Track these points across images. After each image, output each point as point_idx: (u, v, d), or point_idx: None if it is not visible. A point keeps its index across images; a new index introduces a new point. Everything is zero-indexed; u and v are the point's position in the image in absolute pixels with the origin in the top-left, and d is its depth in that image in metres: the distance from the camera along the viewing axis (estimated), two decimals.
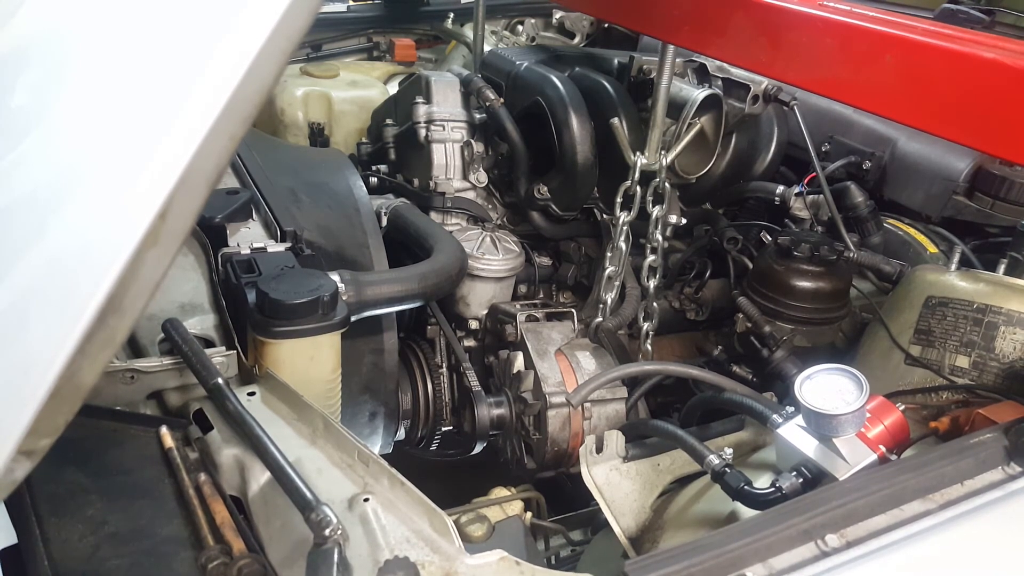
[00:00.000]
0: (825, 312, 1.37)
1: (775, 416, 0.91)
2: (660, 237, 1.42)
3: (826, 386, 0.84)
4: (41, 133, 0.50)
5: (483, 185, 1.65)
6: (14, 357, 0.43)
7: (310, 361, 1.01)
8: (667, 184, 1.39)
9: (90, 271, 0.39)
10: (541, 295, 1.66)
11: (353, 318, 1.06)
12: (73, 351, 0.38)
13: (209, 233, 1.15)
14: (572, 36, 2.40)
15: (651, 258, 1.42)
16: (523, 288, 1.63)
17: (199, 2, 0.44)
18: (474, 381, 1.38)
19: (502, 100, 1.55)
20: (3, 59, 0.60)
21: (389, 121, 1.78)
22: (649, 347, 1.44)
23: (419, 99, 1.64)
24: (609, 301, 1.42)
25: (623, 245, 1.40)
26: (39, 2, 0.62)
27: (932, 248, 1.53)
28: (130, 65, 0.47)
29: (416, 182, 1.67)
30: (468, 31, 2.30)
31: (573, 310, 1.47)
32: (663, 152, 1.37)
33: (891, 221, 1.60)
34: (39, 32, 0.59)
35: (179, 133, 0.38)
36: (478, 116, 1.63)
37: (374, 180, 1.70)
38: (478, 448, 1.42)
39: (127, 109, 0.45)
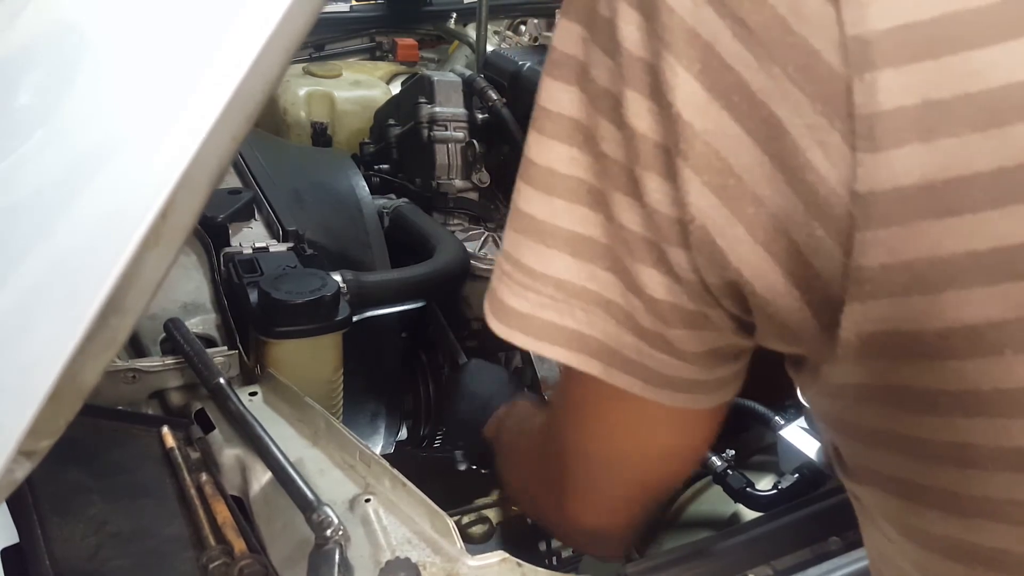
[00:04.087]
0: None
1: (777, 418, 0.91)
2: None
3: None
4: (42, 133, 0.50)
5: (486, 185, 1.65)
6: (15, 357, 0.42)
7: (312, 361, 1.01)
8: None
9: (91, 271, 0.39)
10: None
11: (355, 318, 1.06)
12: (74, 351, 0.38)
13: (211, 232, 1.15)
14: None
15: None
16: None
17: (201, 2, 0.44)
18: None
19: (505, 100, 1.55)
20: (7, 60, 0.60)
21: (392, 121, 1.78)
22: None
23: (422, 99, 1.64)
24: None
25: None
26: (42, 3, 0.63)
27: None
28: (131, 64, 0.47)
29: (418, 182, 1.67)
30: (471, 31, 2.30)
31: None
32: None
33: None
34: (41, 32, 0.60)
35: (181, 132, 0.38)
36: (481, 116, 1.63)
37: (376, 180, 1.70)
38: None
39: (128, 108, 0.45)
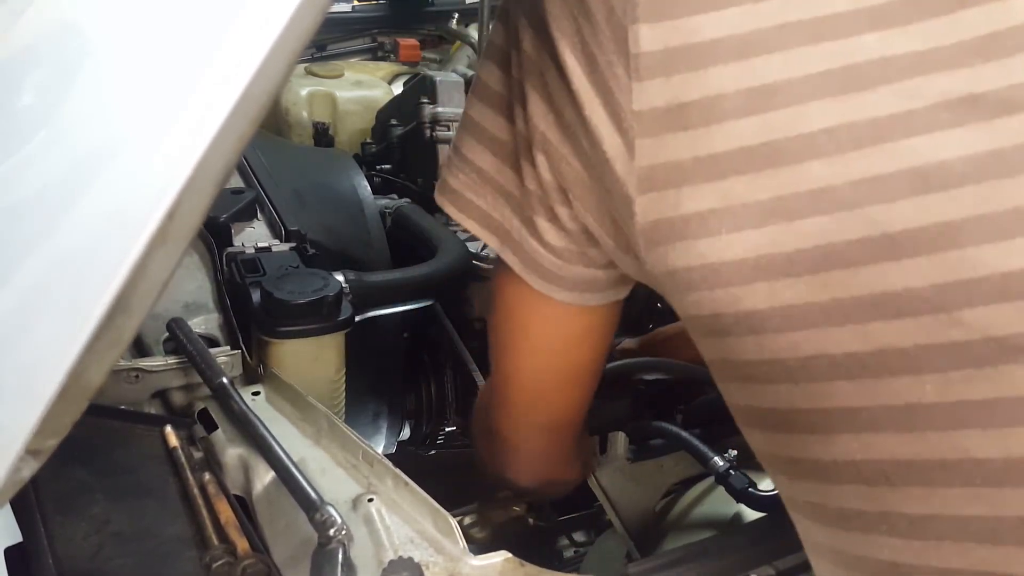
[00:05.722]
0: None
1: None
2: None
3: None
4: (49, 132, 0.50)
5: None
6: (22, 356, 0.43)
7: (314, 361, 1.01)
8: None
9: (99, 270, 0.39)
10: None
11: (357, 318, 1.06)
12: (81, 351, 0.38)
13: (214, 232, 1.15)
14: None
15: None
16: None
17: (209, 1, 0.44)
18: (480, 381, 1.38)
19: None
20: (10, 60, 0.61)
21: (394, 121, 1.77)
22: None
23: (424, 99, 1.64)
24: None
25: None
26: (43, 3, 0.63)
27: None
28: (139, 64, 0.47)
29: (421, 182, 1.67)
30: (473, 31, 2.30)
31: None
32: None
33: None
34: (42, 33, 0.60)
35: (188, 132, 0.38)
36: None
37: (378, 180, 1.70)
38: None
39: (135, 109, 0.45)
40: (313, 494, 0.69)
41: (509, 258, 0.62)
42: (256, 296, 1.00)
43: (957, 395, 0.46)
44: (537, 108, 0.55)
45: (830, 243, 0.46)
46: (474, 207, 0.63)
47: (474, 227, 0.63)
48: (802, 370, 0.50)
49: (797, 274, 0.48)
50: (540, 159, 0.56)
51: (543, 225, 0.59)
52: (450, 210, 0.65)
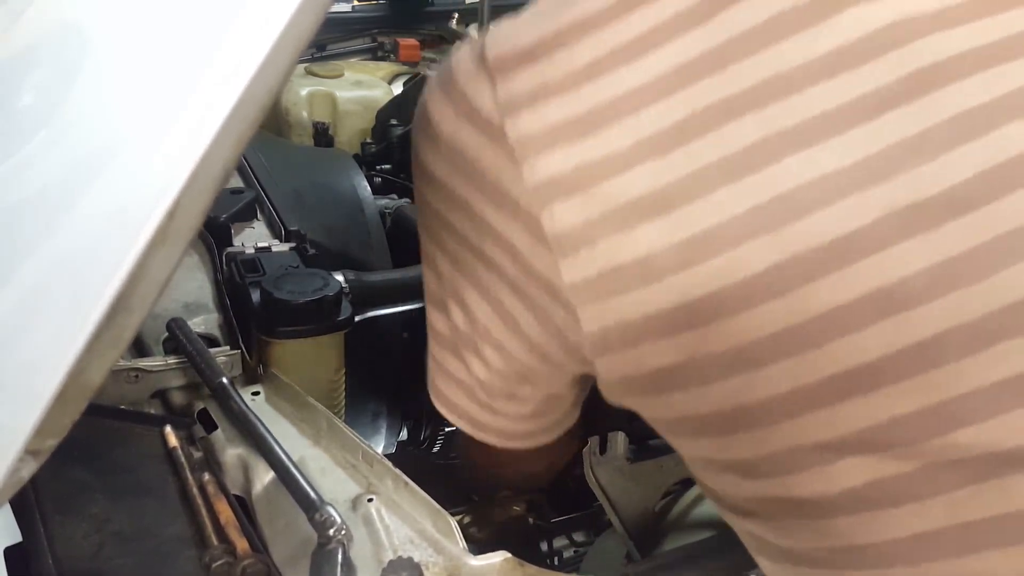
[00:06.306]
0: None
1: None
2: None
3: None
4: (49, 132, 0.51)
5: None
6: (22, 356, 0.43)
7: (314, 361, 1.01)
8: None
9: (99, 270, 0.39)
10: None
11: (357, 318, 1.06)
12: (81, 350, 0.38)
13: (213, 232, 1.15)
14: None
15: None
16: None
17: (209, 1, 0.44)
18: None
19: None
20: (10, 60, 0.61)
21: (394, 121, 1.77)
22: None
23: None
24: None
25: None
26: (44, 3, 0.63)
27: None
28: (139, 65, 0.47)
29: None
30: (473, 32, 2.30)
31: None
32: None
33: None
34: (46, 32, 0.60)
35: (188, 133, 0.38)
36: None
37: (379, 180, 1.70)
38: None
39: (135, 109, 0.45)
40: (313, 494, 0.69)
41: (483, 437, 0.66)
42: (256, 296, 1.00)
43: (965, 516, 0.44)
44: (474, 302, 0.56)
45: (802, 386, 0.45)
46: (440, 393, 0.65)
47: (445, 412, 0.66)
48: (799, 509, 0.49)
49: (774, 422, 0.46)
50: (488, 353, 0.57)
51: (501, 405, 0.62)
52: (431, 392, 0.67)
